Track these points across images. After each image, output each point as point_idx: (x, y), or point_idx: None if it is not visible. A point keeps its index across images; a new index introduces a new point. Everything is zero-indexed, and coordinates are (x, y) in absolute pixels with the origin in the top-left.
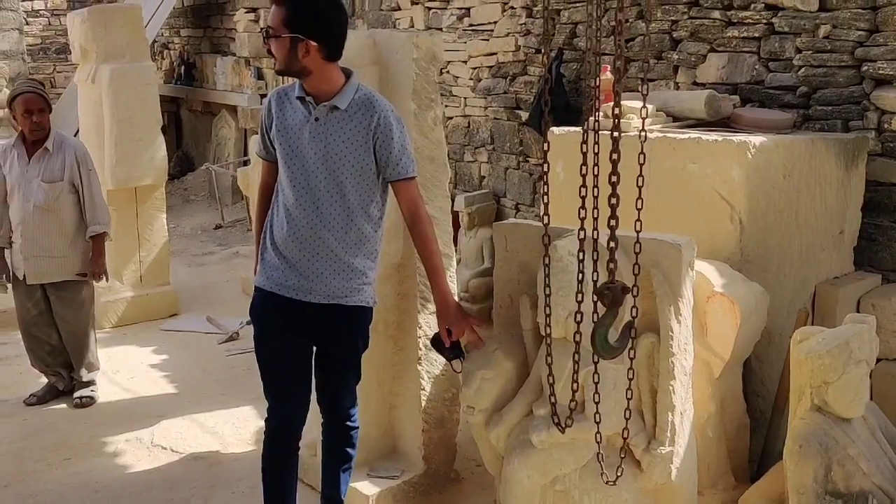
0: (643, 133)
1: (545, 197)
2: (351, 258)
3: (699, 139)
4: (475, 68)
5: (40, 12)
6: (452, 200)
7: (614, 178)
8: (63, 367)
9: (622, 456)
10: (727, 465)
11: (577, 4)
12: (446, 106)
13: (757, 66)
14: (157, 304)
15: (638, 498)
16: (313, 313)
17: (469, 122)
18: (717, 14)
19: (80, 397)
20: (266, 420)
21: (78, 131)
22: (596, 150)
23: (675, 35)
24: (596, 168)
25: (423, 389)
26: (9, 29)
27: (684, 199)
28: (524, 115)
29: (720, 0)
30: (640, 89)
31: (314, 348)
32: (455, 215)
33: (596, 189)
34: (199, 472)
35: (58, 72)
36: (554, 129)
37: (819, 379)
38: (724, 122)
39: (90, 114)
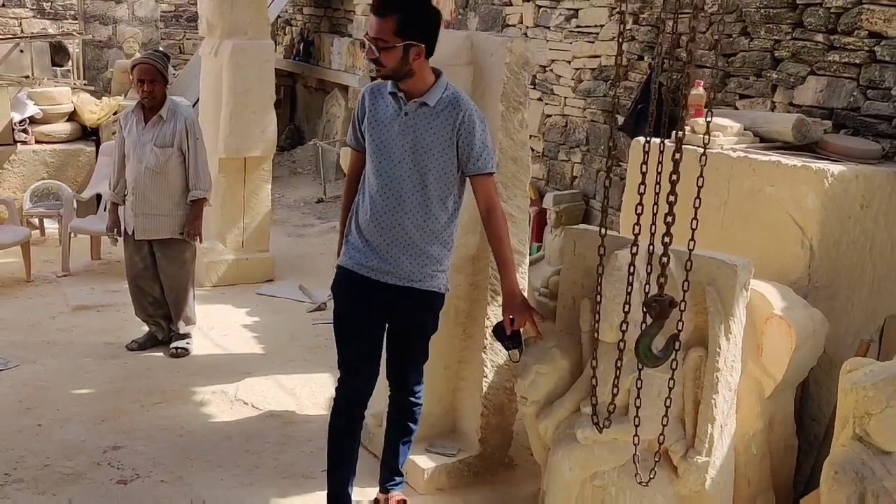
0: (704, 158)
1: (605, 201)
2: (427, 246)
3: (779, 163)
4: (578, 69)
5: None
6: (542, 197)
7: (672, 199)
8: (163, 318)
9: (656, 460)
10: (769, 482)
11: (683, 16)
12: (546, 104)
13: (855, 93)
14: (256, 269)
15: (672, 502)
16: (389, 294)
17: (567, 122)
18: (819, 37)
19: (176, 348)
20: (336, 389)
21: (198, 100)
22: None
23: (776, 54)
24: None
25: (486, 377)
26: None
27: (759, 219)
28: (621, 120)
29: (824, 23)
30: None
31: (387, 327)
32: (543, 212)
33: (656, 206)
34: (274, 428)
35: (187, 39)
36: (640, 138)
37: (862, 410)
38: (810, 148)
39: (210, 85)
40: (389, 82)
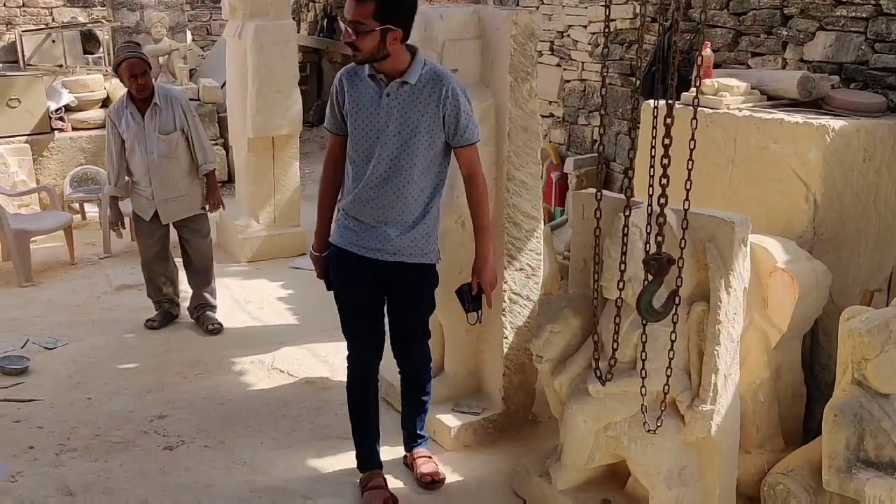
0: (695, 122)
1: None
2: (415, 220)
3: (782, 120)
4: (594, 33)
5: None
6: (563, 162)
7: (665, 161)
8: (175, 294)
9: (662, 409)
10: (777, 428)
11: None
12: (564, 69)
13: (863, 47)
14: (288, 244)
15: (680, 449)
16: (382, 270)
17: (585, 87)
18: None
19: (213, 327)
20: (347, 358)
21: (225, 82)
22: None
23: (785, 11)
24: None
25: (506, 338)
26: None
27: (765, 176)
28: (638, 82)
29: None
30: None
31: (385, 300)
32: (565, 177)
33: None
34: (309, 394)
35: (213, 20)
36: (650, 101)
37: (859, 355)
38: (816, 104)
39: (236, 66)
40: (367, 65)
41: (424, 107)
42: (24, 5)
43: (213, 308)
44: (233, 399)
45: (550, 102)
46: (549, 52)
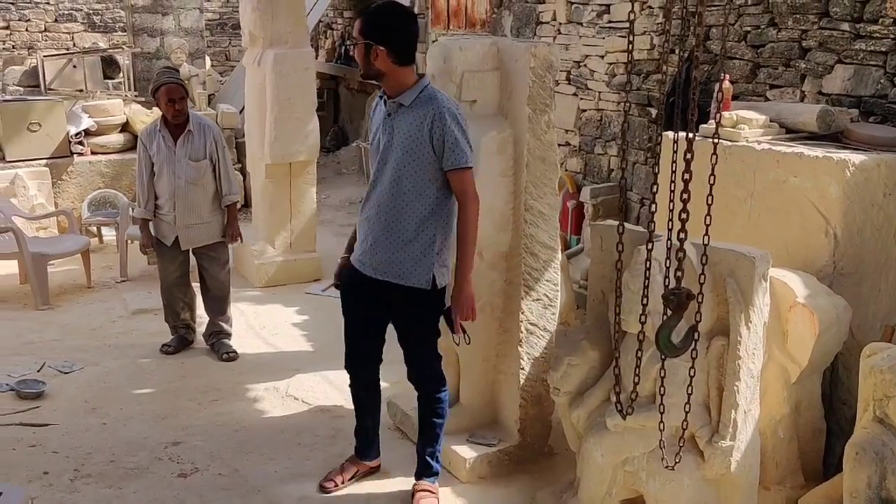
0: (715, 157)
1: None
2: (409, 241)
3: (802, 154)
4: (611, 64)
5: None
6: (580, 190)
7: (685, 196)
8: (192, 320)
9: (681, 445)
10: (797, 464)
11: (712, 7)
12: (581, 98)
13: (882, 80)
14: (304, 269)
15: (699, 485)
16: (379, 289)
17: (602, 116)
18: (846, 26)
19: (228, 355)
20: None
21: (244, 108)
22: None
23: (804, 44)
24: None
25: (523, 369)
26: (191, 8)
27: (784, 210)
28: (654, 113)
29: (850, 12)
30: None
31: (387, 317)
32: (581, 205)
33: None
34: (324, 422)
35: (232, 46)
36: (667, 133)
37: (881, 392)
38: (836, 137)
39: (255, 94)
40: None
41: (412, 128)
42: (46, 30)
43: (228, 336)
44: (247, 426)
45: (567, 131)
46: (566, 82)
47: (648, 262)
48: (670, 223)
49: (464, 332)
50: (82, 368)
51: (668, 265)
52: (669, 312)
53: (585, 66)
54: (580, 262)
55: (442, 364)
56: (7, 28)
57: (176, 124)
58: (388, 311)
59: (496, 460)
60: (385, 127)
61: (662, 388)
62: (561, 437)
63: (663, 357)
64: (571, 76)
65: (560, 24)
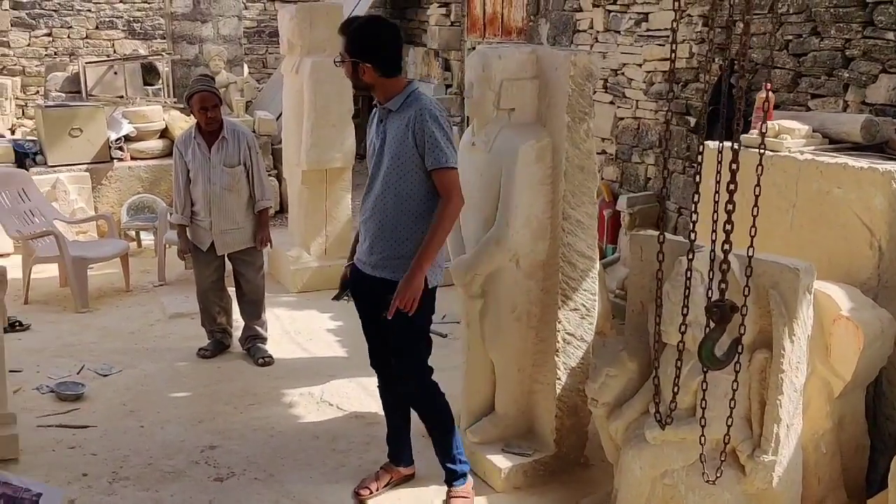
0: (760, 168)
1: (660, 209)
2: (402, 241)
3: (846, 165)
4: (649, 72)
5: None
6: (616, 199)
7: (730, 207)
8: (228, 324)
9: (722, 459)
10: (839, 481)
11: (754, 16)
12: (618, 107)
13: None
14: (338, 275)
15: (739, 500)
16: (374, 285)
17: (639, 125)
18: (891, 35)
19: (263, 360)
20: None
21: (281, 115)
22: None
23: (847, 53)
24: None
25: (559, 379)
26: (230, 16)
27: (828, 221)
28: (693, 122)
29: (895, 21)
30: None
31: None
32: (617, 214)
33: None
34: (358, 429)
35: (269, 53)
36: (709, 142)
37: None
38: (880, 148)
39: (292, 101)
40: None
41: (397, 130)
42: (87, 37)
43: (263, 340)
44: (282, 431)
45: (603, 139)
46: (603, 90)
47: (689, 273)
48: (713, 234)
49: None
50: (120, 371)
51: (710, 276)
52: (712, 325)
53: (623, 74)
54: (616, 272)
55: (478, 373)
56: (50, 35)
57: (210, 131)
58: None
59: (532, 471)
60: (378, 132)
61: (704, 402)
62: (597, 449)
63: (705, 370)
64: (608, 84)
65: (597, 32)
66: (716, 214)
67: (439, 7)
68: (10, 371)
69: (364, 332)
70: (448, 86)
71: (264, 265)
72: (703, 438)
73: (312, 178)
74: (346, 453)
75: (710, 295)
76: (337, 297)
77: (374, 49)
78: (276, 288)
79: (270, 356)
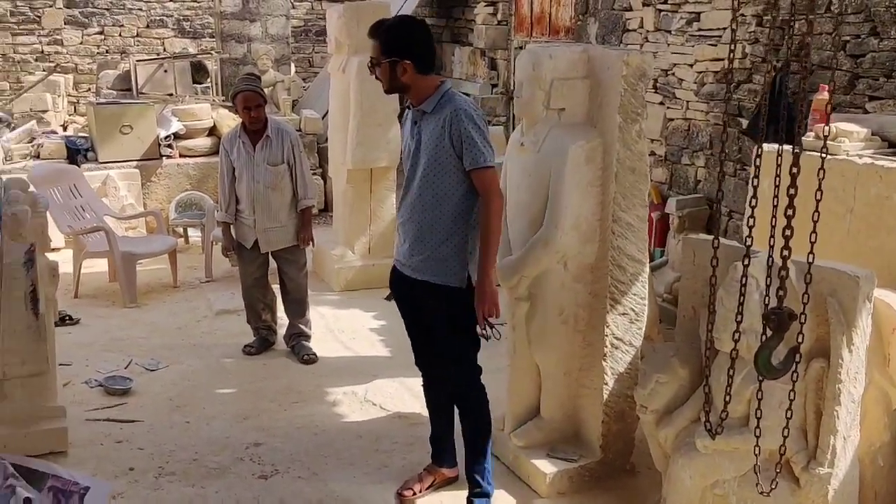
0: (822, 172)
1: (716, 215)
2: (442, 242)
3: None
4: (700, 72)
5: None
6: (665, 202)
7: (790, 212)
8: (273, 322)
9: (777, 471)
10: None
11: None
12: (668, 108)
13: None
14: (382, 274)
15: None
16: (412, 287)
17: (689, 126)
18: None
19: (308, 357)
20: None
21: (327, 113)
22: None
23: None
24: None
25: (607, 384)
26: (277, 15)
27: (886, 227)
28: (745, 123)
29: None
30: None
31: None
32: (666, 217)
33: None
34: (401, 429)
35: (315, 52)
36: (768, 145)
37: None
38: None
39: (338, 100)
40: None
41: (433, 131)
42: (138, 35)
43: (307, 338)
44: (326, 430)
45: (652, 140)
46: (653, 90)
47: (745, 280)
48: (771, 239)
49: (490, 326)
50: (167, 366)
51: (767, 283)
52: (769, 333)
53: (673, 74)
54: (664, 275)
55: (523, 376)
56: (102, 33)
57: (254, 130)
58: (425, 313)
59: (577, 476)
60: (413, 134)
61: (759, 411)
62: (644, 455)
63: (760, 378)
64: (658, 84)
65: (647, 31)
66: (773, 219)
67: (486, 6)
68: (60, 364)
69: (407, 332)
70: (494, 85)
71: (307, 263)
72: (757, 449)
73: (357, 176)
74: (390, 453)
75: (766, 302)
76: (389, 297)
77: (411, 46)
78: (320, 286)
79: (314, 354)
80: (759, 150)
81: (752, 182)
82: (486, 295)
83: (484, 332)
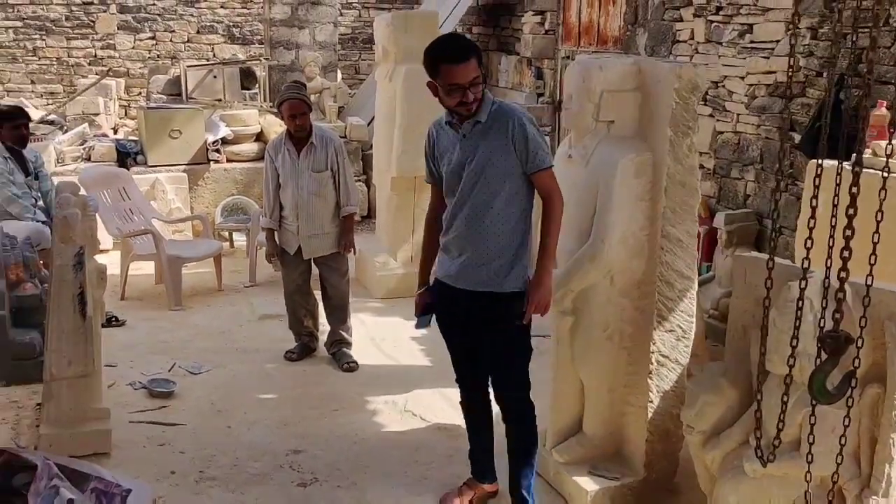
0: (884, 192)
1: (773, 234)
2: (503, 249)
3: None
4: (752, 85)
5: (353, 5)
6: (713, 216)
7: (848, 233)
8: (315, 328)
9: (829, 498)
10: None
11: (866, 28)
12: (717, 120)
13: None
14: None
15: None
16: (470, 300)
17: (740, 139)
18: None
19: (348, 365)
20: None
21: (372, 120)
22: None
23: None
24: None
25: (652, 402)
26: (326, 22)
27: None
28: (797, 137)
29: None
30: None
31: (480, 331)
32: (713, 231)
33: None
34: (441, 441)
35: (362, 60)
36: (827, 161)
37: None
38: None
39: (385, 107)
40: (444, 114)
41: (495, 141)
42: (188, 41)
43: (348, 345)
44: (365, 439)
45: (701, 154)
46: (702, 103)
47: (801, 302)
48: (827, 260)
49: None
50: (210, 370)
51: (823, 305)
52: (824, 356)
53: (723, 86)
54: (710, 291)
55: (566, 392)
56: (153, 38)
57: (299, 137)
58: (480, 328)
59: (619, 495)
60: (462, 148)
61: (812, 436)
62: (688, 476)
63: (813, 403)
64: (708, 97)
65: (698, 42)
66: (830, 239)
67: (534, 15)
68: (106, 366)
69: (451, 350)
70: (540, 95)
71: (349, 270)
72: (808, 475)
73: (402, 184)
74: (429, 465)
75: (821, 324)
76: (420, 325)
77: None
78: (362, 293)
79: (355, 362)
80: (819, 167)
81: (811, 202)
82: (544, 291)
83: (518, 321)
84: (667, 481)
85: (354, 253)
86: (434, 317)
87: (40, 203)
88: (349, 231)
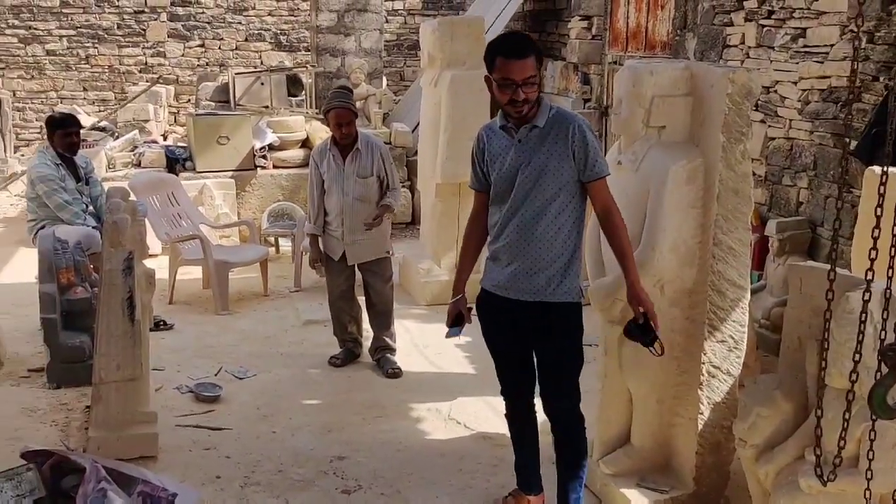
0: None
1: (834, 244)
2: (556, 258)
3: None
4: (805, 90)
5: (398, 11)
6: (764, 224)
7: None
8: (359, 334)
9: None
10: None
11: None
12: (769, 126)
13: None
14: (469, 290)
15: None
16: (523, 310)
17: (792, 145)
18: None
19: (392, 371)
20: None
21: (417, 126)
22: None
23: None
24: None
25: (702, 414)
26: (371, 29)
27: None
28: (853, 144)
29: None
30: None
31: (530, 345)
32: (765, 239)
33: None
34: (485, 450)
35: (407, 66)
36: (874, 167)
37: None
38: None
39: (430, 113)
40: (498, 118)
41: (553, 147)
42: (237, 49)
43: (392, 351)
44: (409, 446)
45: (753, 160)
46: (754, 108)
47: (864, 315)
48: (889, 270)
49: (655, 336)
50: (255, 375)
51: (884, 317)
52: (885, 370)
53: (775, 91)
54: (761, 300)
55: (614, 402)
56: (202, 46)
57: (345, 143)
58: (528, 336)
59: None
60: (517, 153)
61: (871, 452)
62: (739, 490)
63: (873, 418)
64: (759, 102)
65: (749, 47)
66: (874, 252)
67: (581, 20)
68: (153, 369)
69: (497, 361)
70: (587, 100)
71: (393, 276)
72: (867, 493)
73: (446, 191)
74: (473, 474)
75: (882, 337)
76: (451, 335)
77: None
78: (406, 299)
79: (399, 368)
80: (885, 175)
81: (876, 211)
82: (647, 298)
83: (654, 348)
84: (717, 495)
85: (391, 254)
86: (462, 328)
87: (91, 208)
88: (380, 215)
